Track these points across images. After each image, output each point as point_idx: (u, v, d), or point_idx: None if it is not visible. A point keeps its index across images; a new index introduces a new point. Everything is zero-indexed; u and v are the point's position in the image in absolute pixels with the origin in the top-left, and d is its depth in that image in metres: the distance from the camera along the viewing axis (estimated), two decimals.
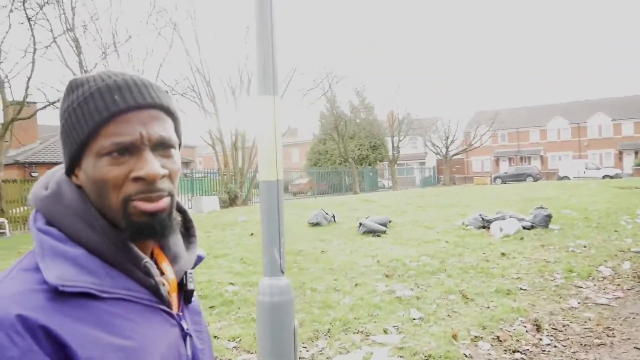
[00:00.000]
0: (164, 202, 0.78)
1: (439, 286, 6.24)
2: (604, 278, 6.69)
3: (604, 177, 38.54)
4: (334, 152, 40.97)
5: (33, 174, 24.32)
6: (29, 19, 15.53)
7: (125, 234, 0.77)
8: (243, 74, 22.71)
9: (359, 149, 43.31)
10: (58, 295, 0.69)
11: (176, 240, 0.90)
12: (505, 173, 44.39)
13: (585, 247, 8.70)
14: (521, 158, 54.42)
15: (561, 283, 6.42)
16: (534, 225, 10.54)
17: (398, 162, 59.41)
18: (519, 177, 42.31)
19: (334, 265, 7.42)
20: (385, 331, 4.72)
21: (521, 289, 6.14)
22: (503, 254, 8.07)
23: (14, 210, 17.09)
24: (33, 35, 15.73)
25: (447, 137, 42.91)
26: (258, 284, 6.42)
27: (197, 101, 22.46)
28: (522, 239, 9.51)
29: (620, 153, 49.91)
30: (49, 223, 0.77)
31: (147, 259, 0.80)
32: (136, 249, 0.79)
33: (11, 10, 14.93)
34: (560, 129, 53.59)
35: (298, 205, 18.21)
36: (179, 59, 38.86)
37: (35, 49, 15.89)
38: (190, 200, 21.07)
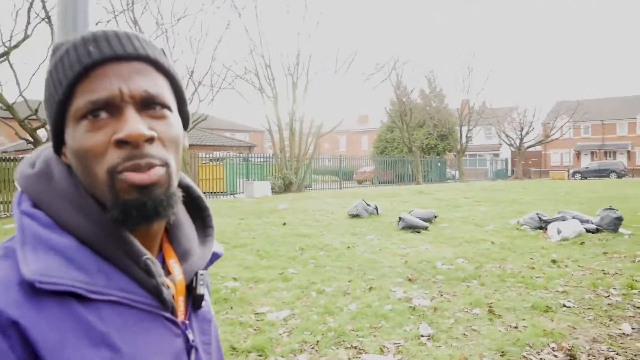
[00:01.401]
0: (156, 172, 0.64)
1: (465, 296, 5.43)
2: None
3: None
4: (401, 141, 39.73)
5: None
6: None
7: (110, 215, 0.64)
8: (301, 56, 22.19)
9: (427, 138, 41.82)
10: (36, 292, 0.58)
11: (189, 232, 0.78)
12: (587, 168, 41.28)
13: None
14: (605, 152, 50.37)
15: (616, 302, 5.39)
16: (600, 228, 9.29)
17: (470, 153, 57.34)
18: (601, 173, 39.24)
19: (355, 264, 6.75)
20: (382, 349, 4.04)
21: (564, 305, 5.20)
22: (554, 261, 7.05)
23: None
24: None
25: (522, 128, 40.37)
26: (264, 280, 5.93)
27: (256, 84, 22.23)
28: (582, 244, 8.37)
29: None
30: (36, 206, 0.66)
31: (148, 255, 0.67)
32: (136, 241, 0.66)
33: None
34: None
35: (347, 194, 17.57)
36: (237, 41, 39.01)
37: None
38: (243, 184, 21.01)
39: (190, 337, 0.73)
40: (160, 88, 0.68)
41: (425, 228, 9.30)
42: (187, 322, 0.73)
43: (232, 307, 4.98)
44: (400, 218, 9.54)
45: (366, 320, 4.65)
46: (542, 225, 9.52)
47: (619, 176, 38.41)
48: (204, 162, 23.47)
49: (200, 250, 0.77)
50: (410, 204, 13.58)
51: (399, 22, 72.79)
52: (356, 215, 10.67)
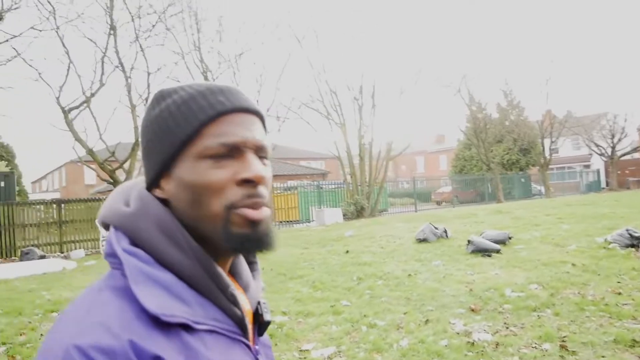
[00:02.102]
0: (266, 210, 0.73)
1: (534, 329, 4.83)
2: None
3: None
4: (479, 158, 38.13)
5: None
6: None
7: (227, 246, 0.71)
8: (365, 82, 22.03)
9: (507, 153, 39.86)
10: (156, 325, 0.62)
11: (245, 265, 0.84)
12: None
13: None
14: None
15: None
16: None
17: (557, 166, 53.92)
18: None
19: (413, 294, 6.29)
20: None
21: None
22: None
23: None
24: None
25: (613, 135, 37.40)
26: (314, 313, 5.64)
27: (322, 110, 22.30)
28: None
29: None
30: (133, 244, 0.70)
31: (233, 286, 0.73)
32: (224, 274, 0.73)
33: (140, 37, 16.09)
34: None
35: (420, 217, 16.92)
36: (300, 70, 39.35)
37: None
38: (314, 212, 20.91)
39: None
40: (267, 141, 0.76)
41: (497, 251, 8.60)
42: (257, 347, 0.79)
43: (276, 344, 4.74)
44: (469, 241, 8.91)
45: (417, 358, 4.22)
46: (634, 242, 8.50)
47: None
48: (278, 191, 23.77)
49: (254, 282, 0.83)
50: (485, 225, 12.79)
51: (466, 35, 70.99)
52: (423, 240, 10.14)
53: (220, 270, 0.72)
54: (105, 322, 0.60)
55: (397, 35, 37.36)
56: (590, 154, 46.23)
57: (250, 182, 0.70)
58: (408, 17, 40.50)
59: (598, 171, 45.40)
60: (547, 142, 34.27)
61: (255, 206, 0.70)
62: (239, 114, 0.73)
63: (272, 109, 20.11)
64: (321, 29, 36.13)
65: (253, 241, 0.71)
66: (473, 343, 4.50)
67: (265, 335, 0.86)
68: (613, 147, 37.56)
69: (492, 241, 9.23)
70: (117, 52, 14.96)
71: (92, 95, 14.70)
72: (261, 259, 0.90)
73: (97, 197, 17.41)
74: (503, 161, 40.37)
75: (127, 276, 0.66)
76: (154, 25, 16.11)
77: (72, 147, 14.72)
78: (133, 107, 15.44)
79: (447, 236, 10.48)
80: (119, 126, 53.86)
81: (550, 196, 31.71)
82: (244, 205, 0.70)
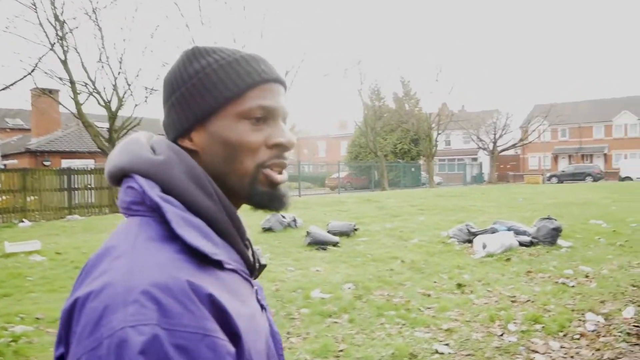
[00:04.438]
0: (286, 174, 0.82)
1: (317, 339, 4.23)
2: (581, 336, 4.44)
3: None
4: (378, 145, 38.58)
5: (45, 163, 23.86)
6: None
7: (250, 201, 0.79)
8: None
9: (400, 142, 40.73)
10: (200, 264, 0.67)
11: (242, 217, 0.85)
12: (563, 171, 40.47)
13: (587, 277, 6.36)
14: (582, 156, 49.65)
15: (508, 343, 4.25)
16: (534, 241, 8.19)
17: (449, 158, 56.45)
18: (576, 177, 38.44)
19: None
20: None
21: (437, 351, 4.04)
22: (459, 285, 5.91)
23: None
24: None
25: (495, 132, 39.48)
26: None
27: None
28: (507, 260, 7.26)
29: None
30: (164, 191, 0.72)
31: (249, 234, 0.81)
32: (244, 222, 0.80)
33: None
34: (627, 125, 48.30)
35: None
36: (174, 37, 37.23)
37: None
38: None
39: (260, 299, 0.84)
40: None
41: (336, 244, 8.11)
42: (256, 288, 0.84)
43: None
44: (307, 232, 8.34)
45: None
46: (471, 238, 8.39)
47: (595, 179, 37.61)
48: None
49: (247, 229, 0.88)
50: (347, 214, 12.44)
51: (362, 23, 71.91)
52: (268, 229, 9.47)
53: (241, 219, 0.78)
54: (162, 264, 0.63)
55: (289, 18, 36.39)
56: (479, 148, 48.76)
57: (280, 146, 0.78)
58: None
59: (481, 164, 47.97)
60: (435, 134, 35.35)
61: (280, 167, 0.79)
62: (275, 84, 0.80)
63: (140, 76, 18.43)
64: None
65: (274, 199, 0.79)
66: None
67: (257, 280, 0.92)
68: (494, 143, 39.60)
69: (335, 232, 8.77)
70: None
71: None
72: None
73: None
74: (395, 150, 41.25)
75: (170, 220, 0.67)
76: None
77: None
78: None
79: (295, 225, 9.91)
80: None
81: (433, 186, 32.76)
82: (272, 165, 0.77)
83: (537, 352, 4.16)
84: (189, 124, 0.76)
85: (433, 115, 35.29)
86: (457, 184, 40.10)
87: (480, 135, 40.21)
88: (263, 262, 0.87)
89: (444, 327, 4.57)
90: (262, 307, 0.83)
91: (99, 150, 18.66)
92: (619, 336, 4.40)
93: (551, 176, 40.23)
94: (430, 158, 34.22)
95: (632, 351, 4.10)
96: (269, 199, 0.77)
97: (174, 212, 0.68)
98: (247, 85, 0.75)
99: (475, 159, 53.67)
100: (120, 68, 17.57)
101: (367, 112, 31.95)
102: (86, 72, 17.35)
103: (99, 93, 17.79)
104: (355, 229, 9.14)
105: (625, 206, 13.90)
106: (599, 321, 4.78)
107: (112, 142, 18.19)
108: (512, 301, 5.35)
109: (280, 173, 0.78)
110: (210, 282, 0.65)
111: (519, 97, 79.63)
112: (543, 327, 4.57)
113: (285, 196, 0.80)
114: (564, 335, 4.46)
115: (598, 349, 4.16)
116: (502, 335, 4.44)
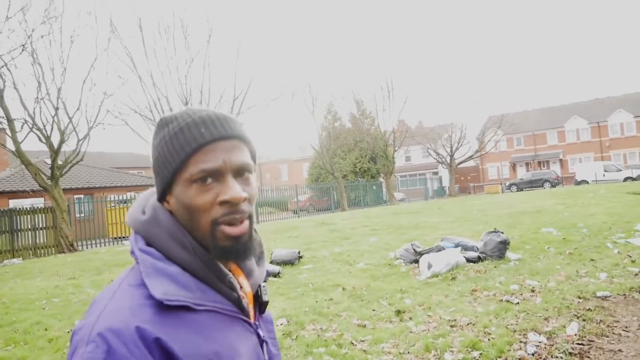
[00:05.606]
0: (245, 225, 0.86)
1: None
2: None
3: (626, 179, 35.04)
4: (335, 166, 38.44)
5: None
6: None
7: (212, 255, 0.85)
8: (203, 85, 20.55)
9: (359, 162, 40.74)
10: (162, 308, 0.77)
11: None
12: (521, 179, 41.10)
13: (533, 291, 6.11)
14: (539, 162, 50.76)
15: None
16: (482, 256, 7.94)
17: (410, 173, 56.93)
18: (534, 184, 39.10)
19: None
20: None
21: None
22: (398, 312, 5.54)
23: None
24: None
25: (452, 144, 39.93)
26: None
27: (150, 117, 20.37)
28: (453, 279, 6.96)
29: None
30: (148, 244, 0.85)
31: (230, 275, 0.87)
32: (222, 266, 0.87)
33: None
34: (579, 130, 49.74)
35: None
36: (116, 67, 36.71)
37: None
38: None
39: (261, 334, 0.94)
40: (247, 157, 0.89)
41: (277, 274, 7.67)
42: (257, 323, 0.94)
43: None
44: None
45: None
46: (417, 258, 8.09)
47: (553, 185, 38.31)
48: (112, 205, 21.13)
49: (258, 269, 0.97)
50: (298, 240, 12.02)
51: (311, 45, 72.44)
52: None
53: (218, 263, 0.85)
54: (126, 309, 0.76)
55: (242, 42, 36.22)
56: (438, 162, 49.28)
57: (227, 203, 0.83)
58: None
59: (441, 178, 48.42)
60: (393, 150, 35.43)
61: (234, 222, 0.84)
62: (219, 142, 0.85)
63: (82, 109, 17.66)
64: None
65: (232, 252, 0.85)
66: None
67: (268, 313, 1.01)
68: (452, 156, 39.99)
69: (279, 262, 8.35)
70: None
71: None
72: None
73: None
74: (355, 169, 41.22)
75: (142, 271, 0.81)
76: None
77: None
78: None
79: None
80: None
81: (394, 203, 32.68)
82: (224, 222, 0.83)
83: None
84: (162, 189, 0.88)
85: (388, 133, 35.39)
86: (419, 199, 40.26)
87: (437, 150, 40.55)
88: (265, 299, 0.96)
89: None
90: (264, 341, 0.93)
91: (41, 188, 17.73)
92: (560, 357, 4.11)
93: (510, 185, 40.79)
94: (389, 175, 34.23)
95: None
96: (228, 252, 0.84)
97: (149, 262, 0.82)
98: (187, 154, 0.83)
99: (436, 173, 54.22)
100: (59, 101, 16.82)
101: (322, 133, 31.78)
102: (24, 108, 16.54)
103: (39, 130, 16.96)
104: (300, 257, 8.73)
105: (577, 211, 13.95)
106: (540, 341, 4.48)
107: (54, 179, 17.33)
108: (452, 326, 5.00)
109: (235, 226, 0.83)
110: (168, 324, 0.76)
111: (473, 110, 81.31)
112: (481, 353, 4.23)
113: (246, 247, 0.86)
114: None
115: None
116: None
